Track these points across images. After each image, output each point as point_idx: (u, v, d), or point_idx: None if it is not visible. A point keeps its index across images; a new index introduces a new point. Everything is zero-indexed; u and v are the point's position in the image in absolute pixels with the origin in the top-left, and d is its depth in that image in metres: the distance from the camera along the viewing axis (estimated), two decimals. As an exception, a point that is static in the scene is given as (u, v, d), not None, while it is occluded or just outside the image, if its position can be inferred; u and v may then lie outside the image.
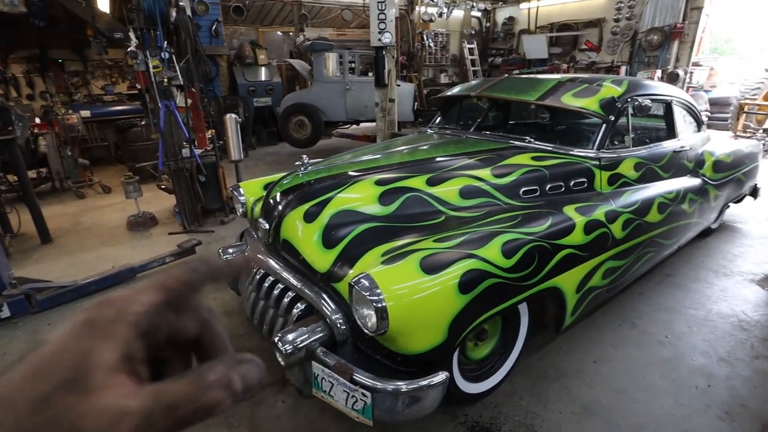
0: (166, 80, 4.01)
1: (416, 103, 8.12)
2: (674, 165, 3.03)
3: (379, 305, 1.54)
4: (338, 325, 1.79)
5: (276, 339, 1.76)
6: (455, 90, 3.42)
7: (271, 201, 2.33)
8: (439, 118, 3.48)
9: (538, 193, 2.28)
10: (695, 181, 3.16)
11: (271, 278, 2.17)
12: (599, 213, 2.23)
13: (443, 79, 12.18)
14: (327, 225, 2.01)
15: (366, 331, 1.64)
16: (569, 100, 2.61)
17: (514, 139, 2.71)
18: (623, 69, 9.96)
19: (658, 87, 3.14)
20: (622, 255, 2.43)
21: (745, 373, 2.37)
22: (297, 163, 2.40)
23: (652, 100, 2.83)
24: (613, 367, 2.41)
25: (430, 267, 1.62)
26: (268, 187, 2.58)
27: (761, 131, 8.90)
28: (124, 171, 5.99)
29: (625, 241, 2.40)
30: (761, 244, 3.98)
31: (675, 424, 2.04)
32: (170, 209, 4.91)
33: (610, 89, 2.67)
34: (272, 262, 2.18)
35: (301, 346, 1.75)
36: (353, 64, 7.88)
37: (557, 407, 2.14)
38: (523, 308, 2.13)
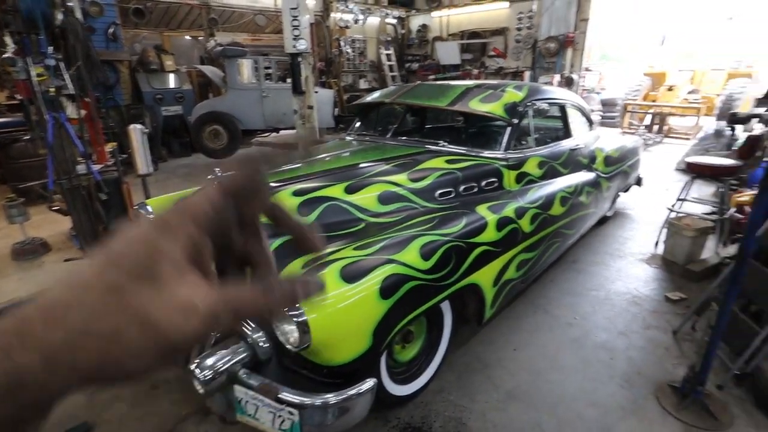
0: (53, 90, 3.60)
1: (337, 109, 8.11)
2: (571, 161, 3.34)
3: (300, 319, 1.50)
4: (260, 344, 1.72)
5: (193, 366, 1.65)
6: (371, 97, 3.47)
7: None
8: (357, 125, 3.51)
9: (453, 195, 2.38)
10: (590, 175, 3.51)
11: (186, 300, 2.04)
12: (509, 210, 2.39)
13: (363, 84, 12.31)
14: (244, 240, 1.93)
15: (289, 347, 1.60)
16: (476, 105, 2.77)
17: (430, 144, 2.81)
18: (527, 74, 10.79)
19: (554, 91, 3.44)
20: (532, 247, 2.62)
21: (639, 344, 2.67)
22: (209, 177, 2.27)
23: (549, 104, 3.10)
24: (531, 352, 2.59)
25: (351, 275, 1.62)
26: (179, 203, 2.42)
27: (642, 128, 10.14)
28: (7, 192, 5.26)
29: (534, 234, 2.59)
30: (646, 227, 4.52)
31: (585, 397, 2.24)
32: (66, 233, 4.40)
33: (513, 94, 2.87)
34: (186, 283, 2.04)
35: (221, 370, 1.66)
36: (270, 70, 7.67)
37: (483, 398, 2.24)
38: (446, 306, 2.21)
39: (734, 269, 1.93)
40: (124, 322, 0.26)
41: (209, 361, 1.66)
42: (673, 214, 3.87)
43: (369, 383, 1.69)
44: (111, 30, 7.36)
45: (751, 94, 9.32)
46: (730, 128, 6.08)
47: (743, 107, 8.91)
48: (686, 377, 2.15)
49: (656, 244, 4.04)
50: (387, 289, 1.67)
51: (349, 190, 2.13)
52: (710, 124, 7.82)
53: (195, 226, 0.30)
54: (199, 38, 10.02)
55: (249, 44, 10.15)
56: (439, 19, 12.44)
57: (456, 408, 2.17)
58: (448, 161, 2.52)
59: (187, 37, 10.46)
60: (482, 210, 2.26)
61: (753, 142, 4.22)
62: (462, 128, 3.65)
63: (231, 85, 7.35)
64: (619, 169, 4.08)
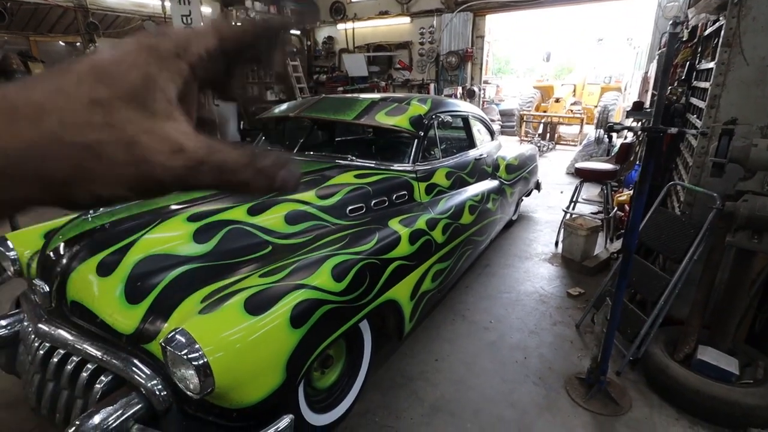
0: None
1: (242, 122, 7.71)
2: (477, 171, 3.49)
3: (200, 362, 1.33)
4: (156, 393, 1.50)
5: (73, 428, 1.39)
6: (275, 111, 3.32)
7: (51, 255, 1.86)
8: (263, 140, 3.33)
9: (364, 210, 2.32)
10: (494, 183, 3.70)
11: (61, 351, 1.73)
12: (421, 222, 2.39)
13: (270, 96, 11.92)
14: (130, 275, 1.68)
15: (190, 393, 1.40)
16: (383, 119, 2.76)
17: (338, 158, 2.74)
18: (432, 86, 11.28)
19: (457, 104, 3.58)
20: (446, 257, 2.66)
21: (548, 340, 2.84)
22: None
23: (453, 116, 3.20)
24: (452, 360, 2.61)
25: (256, 307, 1.47)
26: (48, 237, 2.07)
27: (537, 136, 11.11)
28: None
29: (447, 244, 2.63)
30: (547, 228, 4.90)
31: (504, 399, 2.30)
32: None
33: (417, 107, 2.92)
34: (61, 332, 1.74)
35: (111, 427, 1.42)
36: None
37: (408, 414, 2.20)
38: (364, 326, 2.14)
39: (621, 265, 2.12)
40: (108, 139, 0.24)
41: (95, 419, 1.43)
42: (568, 216, 4.22)
43: (285, 420, 1.55)
44: (-39, 33, 6.30)
45: (622, 105, 10.72)
46: (607, 136, 6.87)
47: (616, 117, 10.18)
48: (590, 368, 2.30)
49: (556, 243, 4.39)
50: (298, 317, 1.55)
51: (253, 212, 1.96)
52: (592, 132, 8.81)
53: (188, 66, 0.27)
54: (77, 44, 8.95)
55: (141, 53, 9.31)
56: (345, 31, 12.54)
57: (382, 429, 2.10)
58: (357, 176, 2.46)
59: (62, 43, 9.29)
60: (394, 224, 2.23)
61: (626, 148, 4.79)
62: (370, 141, 3.64)
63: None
64: (519, 175, 4.37)
